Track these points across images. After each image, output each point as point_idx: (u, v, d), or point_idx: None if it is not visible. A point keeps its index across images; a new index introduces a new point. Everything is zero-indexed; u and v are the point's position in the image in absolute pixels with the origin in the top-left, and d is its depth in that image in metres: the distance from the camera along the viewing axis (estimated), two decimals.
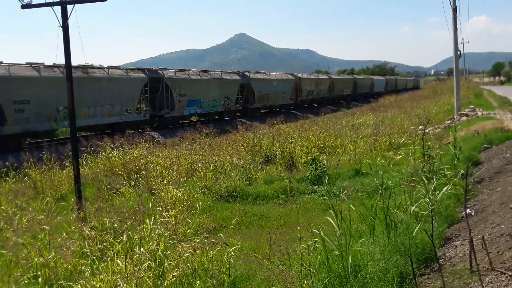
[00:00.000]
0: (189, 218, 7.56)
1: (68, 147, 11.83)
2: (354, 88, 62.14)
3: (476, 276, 4.30)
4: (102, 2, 9.05)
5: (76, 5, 9.09)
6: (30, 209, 8.82)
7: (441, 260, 5.15)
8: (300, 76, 47.55)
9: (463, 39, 52.53)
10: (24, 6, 9.39)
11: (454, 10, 21.17)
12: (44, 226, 6.25)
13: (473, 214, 6.59)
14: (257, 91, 37.87)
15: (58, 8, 9.13)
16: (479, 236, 5.26)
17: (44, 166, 13.15)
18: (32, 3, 9.38)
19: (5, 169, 12.58)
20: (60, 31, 9.17)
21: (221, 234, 6.23)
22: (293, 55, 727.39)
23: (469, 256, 4.63)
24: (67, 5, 9.07)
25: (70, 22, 9.18)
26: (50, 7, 9.19)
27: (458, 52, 21.79)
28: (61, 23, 9.13)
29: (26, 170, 12.72)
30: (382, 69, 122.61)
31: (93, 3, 9.15)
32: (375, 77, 76.45)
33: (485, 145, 11.77)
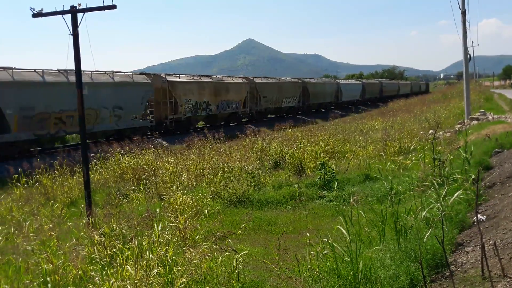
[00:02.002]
0: (198, 224, 7.57)
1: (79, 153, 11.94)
2: (304, 98, 43.98)
3: (488, 282, 4.23)
4: (112, 10, 9.13)
5: (86, 13, 9.20)
6: (40, 215, 8.89)
7: (452, 266, 5.08)
8: (170, 78, 28.10)
9: (472, 42, 50.98)
10: (35, 15, 9.53)
11: (463, 13, 21.04)
12: (52, 233, 6.29)
13: (484, 219, 6.51)
14: (13, 108, 18.16)
15: (68, 16, 9.25)
16: (491, 242, 5.19)
17: (56, 172, 13.28)
18: (43, 12, 9.52)
19: (16, 175, 12.71)
20: (70, 38, 9.29)
21: (229, 240, 6.22)
22: (301, 60, 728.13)
23: (481, 262, 4.56)
24: (77, 13, 9.19)
25: (80, 29, 9.30)
26: (61, 16, 9.32)
27: (468, 56, 21.62)
28: (71, 31, 9.25)
29: (37, 176, 12.85)
30: (391, 73, 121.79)
31: (103, 11, 9.25)
32: (343, 82, 55.54)
33: (496, 149, 11.63)
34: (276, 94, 39.08)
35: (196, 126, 31.14)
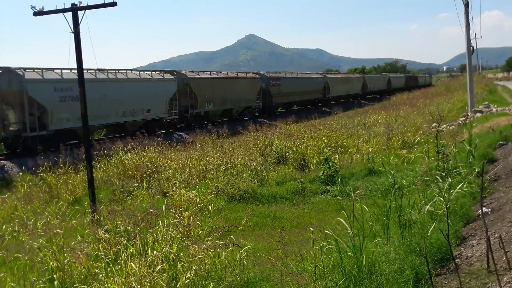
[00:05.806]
0: (202, 220, 7.57)
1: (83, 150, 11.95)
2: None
3: (494, 276, 4.21)
4: (112, 7, 9.11)
5: (86, 10, 9.19)
6: (46, 213, 8.92)
7: (458, 259, 5.07)
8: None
9: (475, 34, 49.62)
10: (36, 13, 9.52)
11: (466, 5, 20.90)
12: (58, 230, 6.31)
13: (489, 212, 6.48)
14: None
15: (69, 14, 9.24)
16: (496, 235, 5.17)
17: (60, 170, 13.32)
18: (44, 10, 9.51)
19: (20, 174, 12.76)
20: (72, 36, 9.28)
21: (231, 236, 6.22)
22: (303, 55, 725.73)
23: (486, 255, 4.54)
24: (78, 11, 9.18)
25: (81, 27, 9.29)
26: (61, 14, 9.31)
27: (471, 48, 21.49)
28: (72, 29, 9.24)
29: (42, 174, 12.89)
30: (393, 66, 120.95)
31: (104, 8, 9.23)
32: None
33: (500, 142, 11.56)
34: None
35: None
